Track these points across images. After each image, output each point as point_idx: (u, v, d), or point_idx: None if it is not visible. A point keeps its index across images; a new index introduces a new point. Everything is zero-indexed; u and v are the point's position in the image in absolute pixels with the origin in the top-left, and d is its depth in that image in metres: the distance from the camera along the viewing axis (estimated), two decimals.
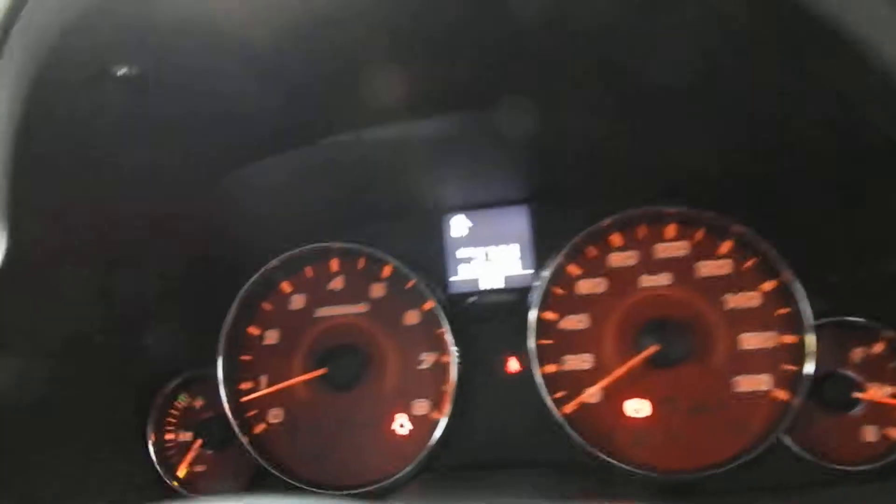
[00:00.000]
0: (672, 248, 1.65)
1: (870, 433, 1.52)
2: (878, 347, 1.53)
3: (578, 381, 1.64)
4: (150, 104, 1.17)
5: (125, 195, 1.38)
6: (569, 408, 1.62)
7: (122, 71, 1.06)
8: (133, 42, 1.04)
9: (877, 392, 1.51)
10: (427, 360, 1.72)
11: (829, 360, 1.53)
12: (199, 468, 1.79)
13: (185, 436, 1.80)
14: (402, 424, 1.71)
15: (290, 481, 1.69)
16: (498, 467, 1.64)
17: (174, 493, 1.76)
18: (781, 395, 1.55)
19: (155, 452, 1.79)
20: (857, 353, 1.54)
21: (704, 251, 1.63)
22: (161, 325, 1.71)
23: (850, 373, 1.53)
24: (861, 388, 1.51)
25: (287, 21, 1.10)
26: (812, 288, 1.53)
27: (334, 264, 1.81)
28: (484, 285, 1.74)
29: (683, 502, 1.50)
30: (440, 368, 1.71)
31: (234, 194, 1.56)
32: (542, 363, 1.64)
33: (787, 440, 1.53)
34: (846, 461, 1.51)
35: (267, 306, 1.82)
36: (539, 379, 1.62)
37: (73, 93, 1.08)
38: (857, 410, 1.52)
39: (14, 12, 0.95)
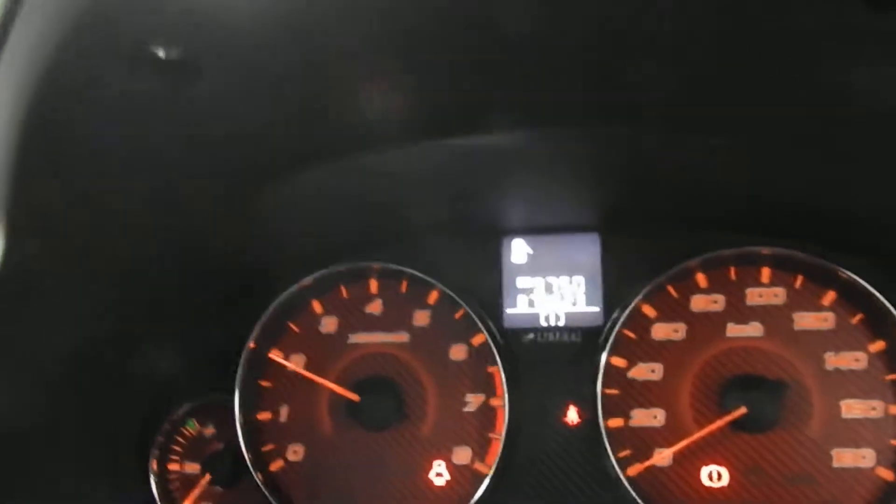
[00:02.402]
0: (766, 294, 1.43)
1: None
2: None
3: (647, 439, 1.44)
4: (186, 97, 0.96)
5: (144, 203, 1.17)
6: (635, 469, 1.41)
7: (160, 52, 0.85)
8: (175, 16, 0.84)
9: None
10: (473, 401, 1.51)
11: None
12: None
13: (192, 467, 1.59)
14: (439, 474, 1.50)
15: None
16: None
17: None
18: (886, 474, 1.34)
19: (156, 484, 1.57)
20: None
21: (804, 301, 1.42)
22: (174, 343, 1.50)
23: None
24: None
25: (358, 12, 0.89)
26: None
27: (373, 286, 1.60)
28: (544, 321, 1.53)
29: None
30: (488, 413, 1.50)
31: (267, 205, 1.35)
32: (606, 416, 1.43)
33: None
34: None
35: (294, 328, 1.61)
36: (603, 433, 1.41)
37: (99, 75, 0.88)
38: None
39: None
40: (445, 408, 1.52)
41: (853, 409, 1.37)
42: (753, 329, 1.43)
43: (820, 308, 1.41)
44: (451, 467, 1.50)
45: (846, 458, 1.35)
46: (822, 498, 1.35)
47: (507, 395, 1.46)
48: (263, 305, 1.57)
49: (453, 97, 1.13)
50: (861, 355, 1.38)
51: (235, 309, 1.55)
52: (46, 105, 0.87)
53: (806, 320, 1.41)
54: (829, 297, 1.41)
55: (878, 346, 1.38)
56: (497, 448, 1.45)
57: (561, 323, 1.52)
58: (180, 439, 1.60)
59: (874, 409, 1.36)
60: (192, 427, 1.61)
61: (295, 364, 1.59)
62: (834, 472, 1.36)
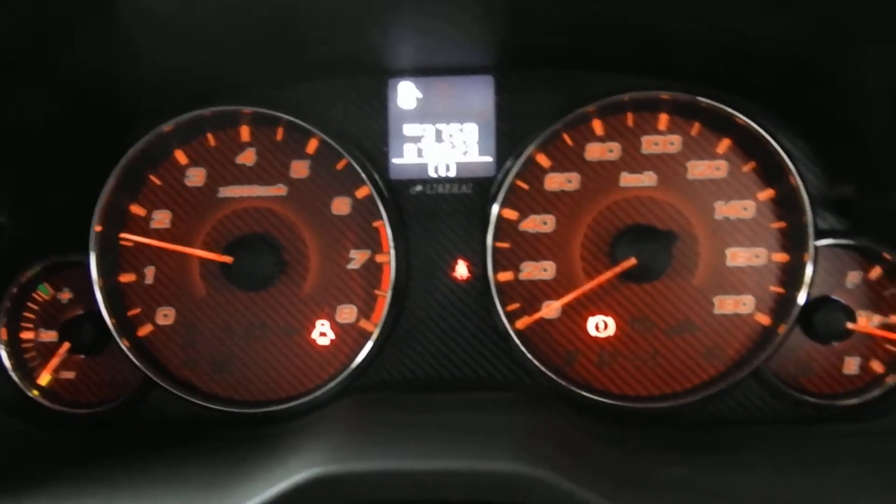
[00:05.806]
0: (662, 142, 1.38)
1: (851, 365, 1.37)
2: (875, 273, 1.36)
3: (537, 292, 1.41)
4: None
5: None
6: (523, 323, 1.38)
7: None
8: None
9: (866, 322, 1.35)
10: (358, 258, 1.42)
11: (820, 284, 1.35)
12: (66, 375, 1.45)
13: (48, 335, 1.45)
14: (323, 333, 1.43)
15: (182, 395, 1.39)
16: (437, 388, 1.40)
17: (33, 405, 1.42)
18: (764, 319, 1.36)
19: (8, 354, 1.42)
20: (853, 278, 1.37)
21: (698, 149, 1.38)
22: (18, 196, 1.31)
23: (841, 299, 1.35)
24: (852, 318, 1.34)
25: None
26: (815, 202, 1.32)
27: (245, 133, 1.44)
28: (433, 172, 1.43)
29: (644, 434, 1.32)
30: (374, 269, 1.42)
31: (127, 25, 1.14)
32: (496, 269, 1.38)
33: (763, 369, 1.36)
34: (825, 394, 1.37)
35: (156, 180, 1.44)
36: (493, 287, 1.36)
37: None
38: (843, 340, 1.36)
39: None
40: (328, 265, 1.43)
41: (738, 257, 1.37)
42: (647, 178, 1.38)
43: (714, 156, 1.38)
44: (336, 326, 1.43)
45: (727, 304, 1.37)
46: (703, 344, 1.38)
47: (393, 251, 1.38)
48: (121, 155, 1.38)
49: None
50: (750, 204, 1.37)
51: (91, 159, 1.36)
52: None
53: (699, 169, 1.38)
54: (724, 144, 1.37)
55: (768, 194, 1.37)
56: (383, 305, 1.38)
57: (451, 174, 1.43)
58: (32, 305, 1.45)
59: (758, 256, 1.37)
60: (44, 292, 1.45)
61: (159, 220, 1.44)
62: (715, 319, 1.38)
